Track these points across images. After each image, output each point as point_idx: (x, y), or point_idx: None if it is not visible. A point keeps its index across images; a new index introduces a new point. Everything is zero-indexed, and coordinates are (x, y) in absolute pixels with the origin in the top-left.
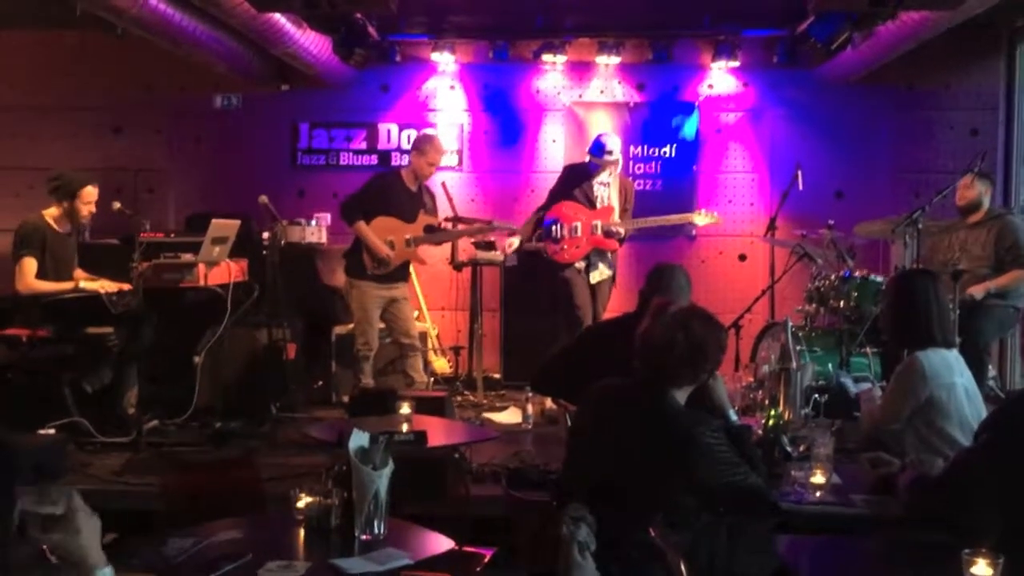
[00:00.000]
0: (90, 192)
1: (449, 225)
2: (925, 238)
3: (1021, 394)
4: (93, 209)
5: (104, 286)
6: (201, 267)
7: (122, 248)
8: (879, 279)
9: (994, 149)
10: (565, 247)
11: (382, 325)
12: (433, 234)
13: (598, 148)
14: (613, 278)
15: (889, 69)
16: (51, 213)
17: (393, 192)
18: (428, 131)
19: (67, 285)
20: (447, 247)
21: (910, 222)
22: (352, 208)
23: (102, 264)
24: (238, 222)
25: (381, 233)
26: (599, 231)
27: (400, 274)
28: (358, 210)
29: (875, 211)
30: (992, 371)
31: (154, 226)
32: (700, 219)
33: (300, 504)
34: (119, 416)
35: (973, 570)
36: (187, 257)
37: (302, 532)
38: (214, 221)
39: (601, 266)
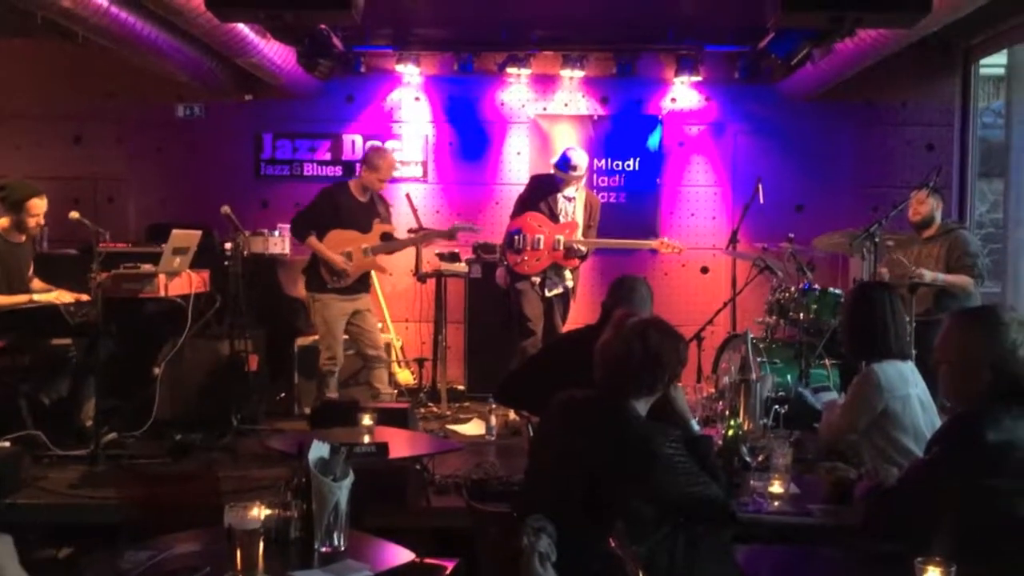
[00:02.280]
0: (36, 204)
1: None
2: (882, 252)
3: (970, 408)
4: (41, 221)
5: (60, 297)
6: (162, 278)
7: (81, 258)
8: (838, 292)
9: (950, 164)
10: (526, 259)
11: (346, 337)
12: (390, 242)
13: (564, 163)
14: (573, 290)
15: (848, 85)
16: (2, 224)
17: (343, 204)
18: (380, 145)
19: (21, 299)
20: (411, 259)
21: (867, 236)
22: (301, 225)
23: (60, 274)
24: (200, 232)
25: (337, 246)
26: (561, 247)
27: (361, 285)
28: (307, 226)
29: (835, 224)
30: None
31: (114, 236)
32: (663, 248)
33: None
34: (76, 429)
35: None
36: (147, 267)
37: (261, 545)
38: (175, 231)
39: (557, 281)
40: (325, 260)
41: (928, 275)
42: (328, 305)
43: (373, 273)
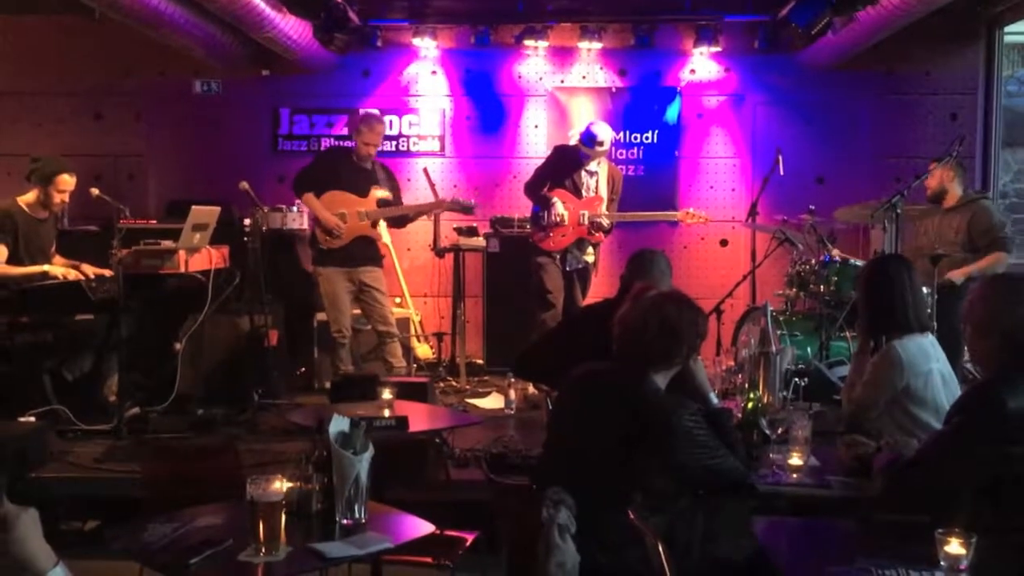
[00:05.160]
0: (65, 180)
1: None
2: (905, 223)
3: (989, 376)
4: (66, 198)
5: (67, 272)
6: (181, 254)
7: (101, 234)
8: (859, 263)
9: (973, 134)
10: (551, 235)
11: (357, 311)
12: (386, 207)
13: (589, 138)
14: (595, 264)
15: (869, 55)
16: (26, 199)
17: (342, 166)
18: (372, 111)
19: (34, 270)
20: (429, 234)
21: (889, 207)
22: (300, 181)
23: (81, 251)
24: (218, 208)
25: (333, 206)
26: (586, 221)
27: (365, 257)
28: (306, 183)
29: (856, 196)
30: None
31: (134, 213)
32: (688, 219)
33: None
34: (100, 404)
35: (947, 549)
36: (167, 244)
37: (283, 517)
38: (194, 208)
39: (579, 255)
40: (317, 218)
41: (959, 279)
42: (330, 278)
43: (392, 249)
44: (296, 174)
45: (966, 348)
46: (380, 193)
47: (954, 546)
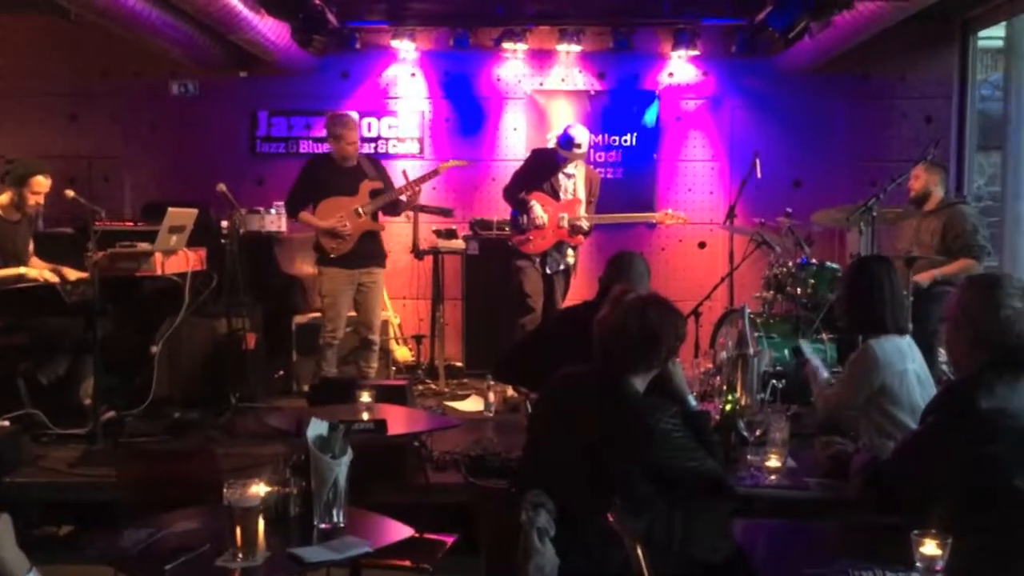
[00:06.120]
0: (39, 182)
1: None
2: (881, 226)
3: (963, 377)
4: (41, 200)
5: (45, 275)
6: (158, 256)
7: (77, 237)
8: (835, 266)
9: (948, 137)
10: (531, 238)
11: (353, 313)
12: (379, 197)
13: (567, 141)
14: (573, 267)
15: (846, 59)
16: (0, 201)
17: (326, 173)
18: (335, 113)
19: (10, 272)
20: (408, 236)
21: (865, 210)
22: (290, 203)
23: (56, 253)
24: (195, 211)
25: (329, 214)
26: (566, 224)
27: (370, 258)
28: (296, 203)
29: (833, 199)
30: (943, 355)
31: (110, 215)
32: (667, 219)
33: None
34: (75, 407)
35: (922, 550)
36: (143, 246)
37: (261, 521)
38: (171, 210)
39: (559, 258)
40: (322, 230)
41: (926, 281)
42: (333, 277)
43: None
44: (285, 199)
45: (942, 349)
46: (370, 185)
47: (929, 547)
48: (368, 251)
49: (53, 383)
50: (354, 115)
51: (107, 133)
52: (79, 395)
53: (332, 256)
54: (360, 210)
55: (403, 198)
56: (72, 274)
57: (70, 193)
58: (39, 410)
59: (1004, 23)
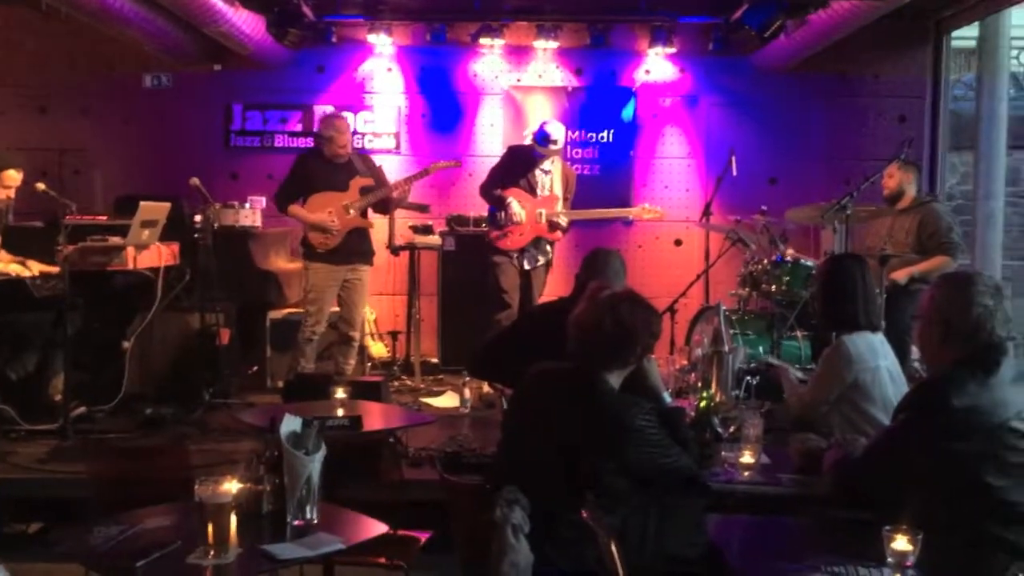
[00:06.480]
0: (11, 176)
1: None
2: (855, 224)
3: (935, 374)
4: (12, 194)
5: (16, 269)
6: (130, 250)
7: (47, 231)
8: (810, 263)
9: (921, 137)
10: (508, 234)
11: (336, 308)
12: (369, 194)
13: (543, 138)
14: (549, 263)
15: (822, 58)
16: None
17: (316, 169)
18: (327, 113)
19: None
20: (384, 232)
21: (839, 208)
22: (280, 197)
23: (26, 247)
24: (168, 205)
25: (318, 209)
26: (544, 220)
27: (357, 251)
28: (286, 197)
29: (808, 197)
30: (915, 353)
31: (81, 208)
32: (644, 214)
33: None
34: (45, 403)
35: (894, 546)
36: (115, 240)
37: (233, 518)
38: (143, 203)
39: (536, 254)
40: (311, 224)
41: (902, 279)
42: (319, 272)
43: None
44: (275, 194)
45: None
46: (361, 182)
47: (901, 543)
48: (355, 247)
49: (22, 378)
50: (343, 115)
51: (78, 126)
52: (49, 391)
53: (319, 251)
54: (349, 206)
55: (394, 195)
56: (37, 267)
57: (41, 186)
58: (8, 406)
59: (977, 23)
